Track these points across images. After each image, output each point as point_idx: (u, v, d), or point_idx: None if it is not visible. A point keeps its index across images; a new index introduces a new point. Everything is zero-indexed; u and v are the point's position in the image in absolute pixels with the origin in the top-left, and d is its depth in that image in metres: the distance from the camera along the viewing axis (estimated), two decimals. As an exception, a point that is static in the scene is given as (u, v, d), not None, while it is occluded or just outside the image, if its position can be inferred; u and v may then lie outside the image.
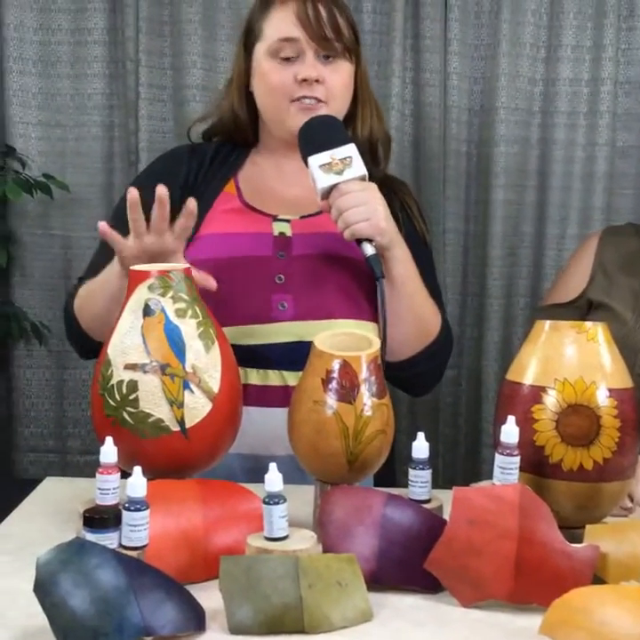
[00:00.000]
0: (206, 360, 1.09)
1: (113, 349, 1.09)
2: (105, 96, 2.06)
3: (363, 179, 1.25)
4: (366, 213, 1.23)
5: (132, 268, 1.11)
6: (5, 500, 1.21)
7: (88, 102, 2.06)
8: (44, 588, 0.86)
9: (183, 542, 1.00)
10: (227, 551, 0.97)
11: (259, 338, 1.33)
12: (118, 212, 1.38)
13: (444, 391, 2.10)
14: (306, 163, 1.27)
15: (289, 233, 1.37)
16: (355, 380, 1.07)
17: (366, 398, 1.07)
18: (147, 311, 1.09)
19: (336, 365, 1.08)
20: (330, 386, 1.07)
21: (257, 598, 0.90)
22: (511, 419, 1.01)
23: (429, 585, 0.98)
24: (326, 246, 1.34)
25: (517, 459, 1.01)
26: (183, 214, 1.19)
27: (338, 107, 1.39)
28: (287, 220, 1.38)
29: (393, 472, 1.40)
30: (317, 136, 1.28)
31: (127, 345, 1.08)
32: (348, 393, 1.07)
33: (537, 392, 1.06)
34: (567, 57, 2.03)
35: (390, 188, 1.41)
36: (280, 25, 1.37)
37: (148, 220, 1.19)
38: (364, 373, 1.08)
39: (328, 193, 1.25)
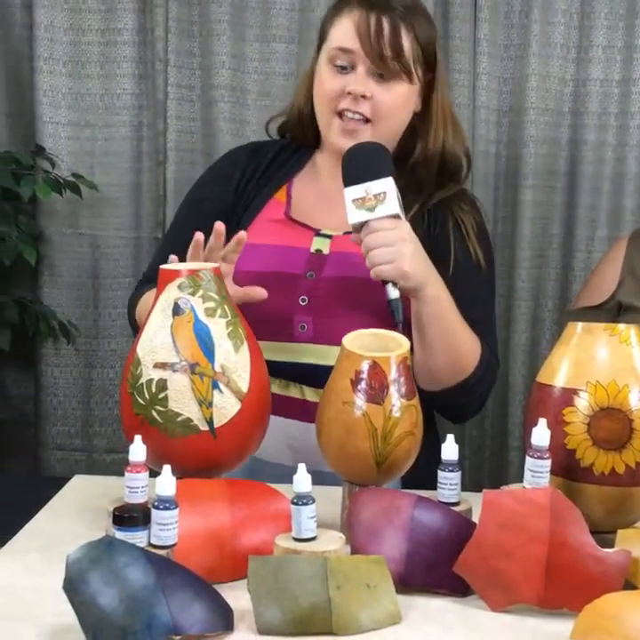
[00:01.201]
0: (235, 360, 1.09)
1: (142, 348, 1.09)
2: (134, 96, 2.07)
3: (395, 217, 1.22)
4: (391, 255, 1.20)
5: (162, 267, 1.11)
6: (32, 497, 1.21)
7: (117, 102, 2.07)
8: (73, 586, 0.86)
9: (211, 542, 1.00)
10: (254, 551, 0.97)
11: (279, 354, 1.32)
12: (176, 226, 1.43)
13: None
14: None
15: (326, 250, 1.36)
16: (384, 380, 1.07)
17: (395, 399, 1.07)
18: (176, 310, 1.09)
19: (365, 366, 1.07)
20: (359, 387, 1.07)
21: (285, 599, 0.89)
22: (542, 421, 1.00)
23: (458, 588, 0.98)
24: (360, 268, 1.27)
25: (548, 462, 1.00)
26: (232, 241, 1.21)
27: (384, 128, 1.35)
28: (329, 236, 1.37)
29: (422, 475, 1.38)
30: (357, 166, 1.24)
31: (156, 344, 1.08)
32: (377, 394, 1.07)
33: (568, 395, 1.05)
34: (598, 57, 2.01)
35: (446, 207, 1.38)
36: (340, 33, 1.35)
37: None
38: (393, 374, 1.07)
39: (360, 227, 1.23)
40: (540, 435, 1.00)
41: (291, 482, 0.96)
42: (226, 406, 1.08)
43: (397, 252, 1.20)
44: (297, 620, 0.89)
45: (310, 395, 1.33)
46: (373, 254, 1.21)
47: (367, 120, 1.34)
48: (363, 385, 1.07)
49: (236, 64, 2.05)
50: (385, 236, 1.21)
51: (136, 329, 1.34)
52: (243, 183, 1.42)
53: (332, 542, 0.97)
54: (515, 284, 2.05)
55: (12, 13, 2.06)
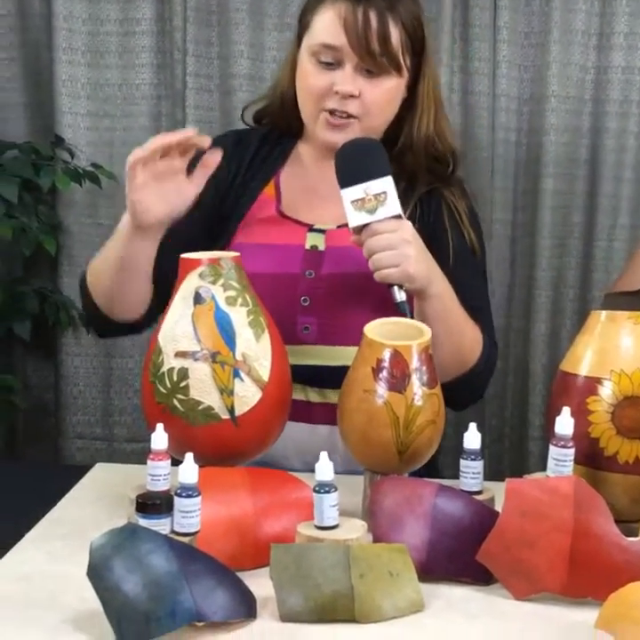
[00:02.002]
0: (256, 348, 1.09)
1: (164, 337, 1.09)
2: (152, 86, 2.07)
3: (397, 217, 1.18)
4: (396, 258, 1.17)
5: (182, 256, 1.11)
6: (54, 485, 1.22)
7: (136, 92, 2.07)
8: (97, 573, 0.86)
9: (233, 530, 1.00)
10: (276, 539, 0.97)
11: None
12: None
13: (490, 383, 2.08)
14: (341, 187, 1.21)
15: (322, 246, 1.33)
16: (405, 369, 1.06)
17: (417, 388, 1.06)
18: (197, 299, 1.09)
19: (387, 354, 1.07)
20: (380, 375, 1.06)
21: (308, 586, 0.90)
22: (566, 410, 0.99)
23: (481, 577, 0.97)
24: (358, 262, 1.24)
25: (572, 450, 0.99)
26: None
27: (372, 123, 1.31)
28: (322, 231, 1.34)
29: (436, 465, 1.38)
30: (353, 165, 1.20)
31: (177, 333, 1.08)
32: (399, 382, 1.06)
33: (592, 383, 1.05)
34: (619, 44, 1.99)
35: (438, 193, 1.35)
36: (325, 27, 1.28)
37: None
38: (414, 363, 1.07)
39: (361, 229, 1.19)
40: (564, 423, 0.99)
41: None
42: (247, 395, 1.08)
43: (402, 254, 1.17)
44: (319, 608, 0.89)
45: (314, 396, 1.32)
46: (377, 258, 1.18)
47: (353, 117, 1.29)
48: (384, 373, 1.06)
49: (255, 53, 2.04)
50: (388, 238, 1.17)
51: (87, 300, 1.31)
52: (230, 178, 1.37)
53: (355, 530, 0.97)
54: (535, 274, 2.04)
55: (31, 4, 2.06)
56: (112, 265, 1.25)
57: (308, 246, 1.33)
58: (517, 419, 2.11)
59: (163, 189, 1.18)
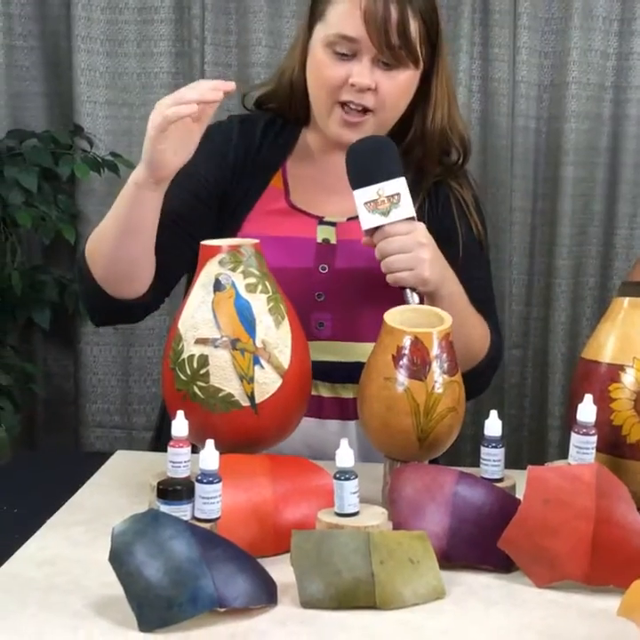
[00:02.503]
0: (276, 335, 1.09)
1: (183, 324, 1.09)
2: (171, 75, 2.07)
3: (410, 219, 1.17)
4: (410, 262, 1.15)
5: (203, 242, 1.11)
6: (74, 472, 1.22)
7: (154, 81, 2.07)
8: (119, 558, 0.87)
9: (253, 516, 1.01)
10: (296, 526, 0.97)
11: None
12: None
13: (509, 372, 2.08)
14: (352, 186, 1.19)
15: (333, 239, 1.31)
16: (426, 356, 1.06)
17: (437, 375, 1.06)
18: (217, 286, 1.09)
19: (407, 342, 1.06)
20: (401, 362, 1.06)
21: (328, 573, 0.90)
22: (588, 397, 0.98)
23: (502, 564, 0.97)
24: (372, 257, 1.22)
25: (594, 438, 0.98)
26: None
27: (386, 116, 1.28)
28: (333, 223, 1.32)
29: (455, 453, 1.37)
30: (366, 165, 1.18)
31: (198, 320, 1.08)
32: (420, 370, 1.06)
33: (615, 371, 1.04)
34: (641, 30, 1.97)
35: (445, 184, 1.34)
36: (342, 17, 1.23)
37: None
38: (435, 350, 1.06)
39: (373, 231, 1.18)
40: (586, 411, 0.98)
41: None
42: (267, 382, 1.08)
43: (416, 258, 1.15)
44: (340, 594, 0.89)
45: (325, 391, 1.31)
46: (391, 261, 1.16)
47: (369, 110, 1.26)
48: (405, 361, 1.06)
49: (273, 41, 2.03)
50: (402, 241, 1.15)
51: (85, 275, 1.23)
52: (238, 164, 1.33)
53: (375, 517, 0.97)
54: (555, 262, 2.03)
55: (50, -7, 2.07)
56: (117, 228, 1.18)
57: (319, 239, 1.31)
58: (536, 408, 2.11)
59: (180, 136, 1.14)
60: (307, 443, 1.28)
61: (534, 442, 2.10)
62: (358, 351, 1.27)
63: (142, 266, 1.22)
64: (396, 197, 1.16)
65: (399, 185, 1.16)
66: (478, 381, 1.29)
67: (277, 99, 1.38)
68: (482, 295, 1.31)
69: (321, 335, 1.29)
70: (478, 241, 1.36)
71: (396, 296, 1.18)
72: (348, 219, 1.31)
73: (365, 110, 1.26)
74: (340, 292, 1.29)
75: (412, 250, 1.16)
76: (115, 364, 2.14)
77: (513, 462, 1.20)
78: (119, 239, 1.19)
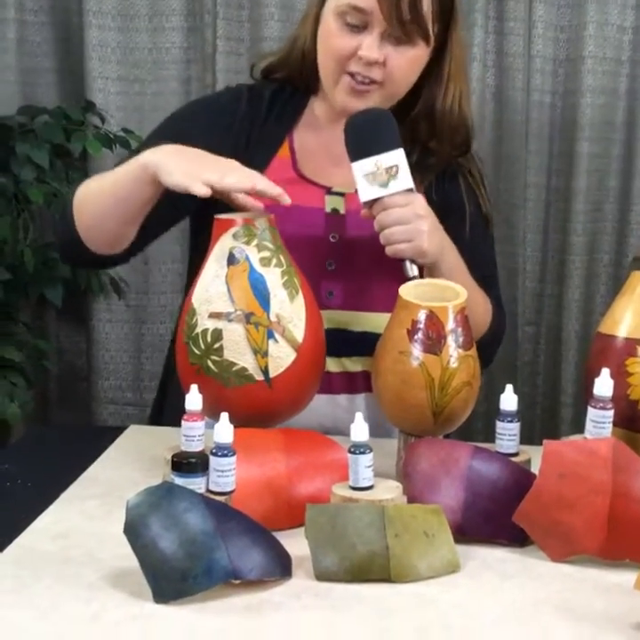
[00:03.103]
0: (290, 309, 1.08)
1: (197, 298, 1.09)
2: (182, 50, 2.06)
3: (409, 191, 1.16)
4: (408, 234, 1.15)
5: (217, 216, 1.10)
6: (87, 447, 1.22)
7: (166, 56, 2.06)
8: (134, 530, 0.87)
9: (267, 490, 1.01)
10: (310, 500, 0.97)
11: None
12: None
13: (523, 349, 2.07)
14: (351, 158, 1.18)
15: (342, 210, 1.30)
16: (441, 330, 1.05)
17: (453, 350, 1.05)
18: (231, 260, 1.08)
19: (422, 316, 1.06)
20: (416, 337, 1.05)
21: (343, 546, 0.89)
22: (605, 371, 0.98)
23: (517, 538, 0.97)
24: None
25: (611, 412, 0.98)
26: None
27: (393, 90, 1.26)
28: (341, 194, 1.31)
29: (468, 429, 1.37)
30: (364, 137, 1.18)
31: (211, 294, 1.08)
32: (434, 344, 1.05)
33: (632, 345, 1.03)
34: (658, 3, 1.95)
35: (455, 162, 1.33)
36: None
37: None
38: (450, 324, 1.06)
39: (372, 203, 1.17)
40: (603, 385, 0.97)
41: None
42: (281, 356, 1.08)
43: (415, 230, 1.15)
44: (355, 567, 0.89)
45: (333, 366, 1.29)
46: (389, 233, 1.16)
47: (375, 83, 1.25)
48: (419, 335, 1.05)
49: (285, 15, 2.02)
50: (400, 213, 1.15)
51: (67, 215, 1.23)
52: (244, 135, 1.32)
53: (390, 491, 0.97)
54: (569, 239, 2.01)
55: (61, -32, 2.05)
56: (112, 201, 1.18)
57: (328, 209, 1.31)
58: (550, 385, 2.10)
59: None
60: (316, 418, 1.27)
61: (547, 419, 2.10)
62: (367, 321, 1.27)
63: (127, 236, 1.23)
64: (394, 169, 1.16)
65: (397, 157, 1.16)
66: (482, 355, 1.27)
67: (288, 67, 1.36)
68: (486, 270, 1.31)
69: (331, 304, 1.29)
70: (485, 218, 1.36)
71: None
72: (356, 189, 1.28)
73: (372, 81, 1.25)
74: (351, 261, 1.29)
75: (411, 221, 1.16)
76: (127, 340, 2.14)
77: (526, 439, 1.20)
78: (110, 211, 1.19)
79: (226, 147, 1.28)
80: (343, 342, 1.28)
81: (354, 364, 1.30)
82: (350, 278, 1.29)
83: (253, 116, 1.33)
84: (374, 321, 1.20)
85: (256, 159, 1.30)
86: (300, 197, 1.28)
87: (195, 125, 1.32)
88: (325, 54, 1.28)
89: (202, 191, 1.07)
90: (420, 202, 1.17)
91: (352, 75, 1.25)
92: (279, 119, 1.35)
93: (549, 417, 2.09)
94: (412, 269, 1.16)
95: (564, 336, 2.04)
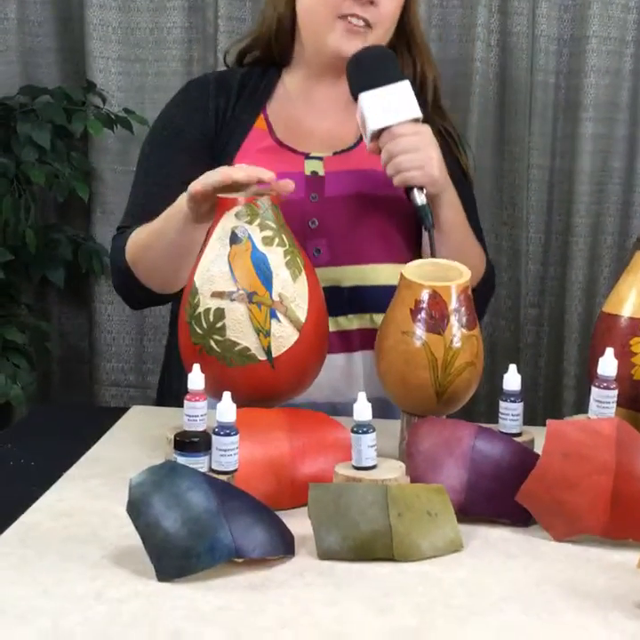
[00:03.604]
0: (293, 289, 1.08)
1: (200, 277, 1.08)
2: (184, 30, 2.04)
3: (416, 120, 1.18)
4: (419, 161, 1.17)
5: (219, 195, 1.10)
6: (90, 427, 1.22)
7: (167, 36, 2.04)
8: (137, 509, 0.87)
9: (270, 470, 1.01)
10: (313, 480, 0.97)
11: None
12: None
13: (525, 331, 2.06)
14: (355, 98, 1.21)
15: (321, 172, 1.32)
16: (444, 310, 1.05)
17: (456, 329, 1.05)
18: (233, 239, 1.07)
19: (425, 296, 1.05)
20: (419, 316, 1.05)
21: (346, 525, 0.89)
22: (609, 351, 0.97)
23: (520, 518, 0.97)
24: (361, 185, 1.28)
25: (615, 392, 0.97)
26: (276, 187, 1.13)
27: (382, 35, 1.30)
28: (320, 158, 1.33)
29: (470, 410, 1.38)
30: (370, 70, 1.20)
31: (214, 273, 1.07)
32: (438, 324, 1.05)
33: (636, 324, 1.03)
34: (664, -18, 1.93)
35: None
36: None
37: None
38: (453, 304, 1.05)
39: (379, 134, 1.18)
40: (607, 364, 0.97)
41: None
42: (284, 336, 1.07)
43: (426, 157, 1.17)
44: (358, 546, 0.89)
45: (330, 325, 1.27)
46: (399, 160, 1.17)
47: (368, 26, 1.28)
48: (423, 314, 1.05)
49: (288, -5, 2.00)
50: (410, 140, 1.17)
51: (126, 275, 1.28)
52: (220, 113, 1.36)
53: (393, 471, 0.97)
54: (573, 220, 2.00)
55: (61, -53, 2.03)
56: (163, 247, 1.22)
57: (307, 172, 1.32)
58: (552, 368, 2.09)
59: None
60: (315, 381, 1.28)
61: (549, 402, 2.09)
62: (357, 274, 1.29)
63: (184, 274, 1.20)
64: (401, 99, 1.18)
65: (404, 87, 1.19)
66: (476, 305, 1.30)
67: (259, 43, 1.40)
68: (473, 224, 1.33)
69: (320, 262, 1.29)
70: (462, 169, 1.38)
71: (389, 214, 1.22)
72: (334, 153, 1.33)
73: (366, 24, 1.28)
74: (333, 219, 1.31)
75: (421, 149, 1.17)
76: (129, 322, 2.13)
77: (529, 421, 1.19)
78: (165, 256, 1.22)
79: (209, 122, 1.34)
80: (336, 300, 1.29)
81: (349, 322, 1.32)
82: (334, 234, 1.31)
83: (226, 96, 1.37)
84: (364, 273, 1.25)
85: (235, 132, 1.34)
86: (279, 164, 1.30)
87: (180, 114, 1.37)
88: (316, 3, 1.30)
89: (198, 187, 1.09)
90: (428, 130, 1.19)
91: (345, 19, 1.27)
92: (252, 96, 1.38)
93: (552, 399, 2.09)
94: (421, 197, 1.18)
95: (567, 318, 2.03)
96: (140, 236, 1.27)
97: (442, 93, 1.41)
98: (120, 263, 1.30)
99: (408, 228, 1.31)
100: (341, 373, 1.27)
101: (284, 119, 1.37)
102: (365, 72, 1.20)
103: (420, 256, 1.29)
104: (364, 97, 1.18)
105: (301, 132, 1.36)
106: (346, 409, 1.07)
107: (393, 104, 1.17)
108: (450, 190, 1.23)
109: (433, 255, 1.17)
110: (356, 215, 1.30)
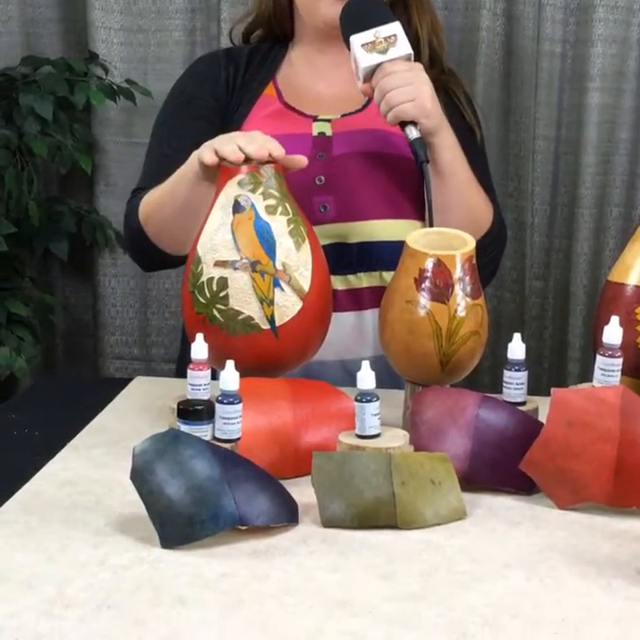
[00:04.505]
0: (297, 258, 1.07)
1: (203, 246, 1.08)
2: (186, -1, 2.02)
3: (408, 58, 1.20)
4: (411, 94, 1.18)
5: (222, 164, 1.09)
6: (94, 397, 1.22)
7: (170, 6, 2.02)
8: (140, 476, 0.87)
9: (273, 439, 1.00)
10: (317, 449, 0.96)
11: None
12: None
13: (530, 304, 2.05)
14: (348, 44, 1.22)
15: (329, 132, 1.33)
16: (449, 279, 1.04)
17: (460, 298, 1.05)
18: (236, 207, 1.07)
19: (429, 264, 1.05)
20: (423, 285, 1.05)
21: (350, 493, 0.89)
22: (615, 319, 0.97)
23: (523, 486, 0.97)
24: (368, 144, 1.29)
25: (620, 360, 0.97)
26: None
27: None
28: (328, 120, 1.34)
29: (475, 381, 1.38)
30: (360, 14, 1.22)
31: (217, 242, 1.07)
32: (442, 292, 1.04)
33: (642, 293, 1.02)
34: (672, -52, 1.90)
35: (436, 79, 1.33)
36: None
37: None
38: (458, 272, 1.05)
39: (371, 74, 1.20)
40: (612, 333, 0.97)
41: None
42: (287, 305, 1.07)
43: (417, 89, 1.18)
44: (361, 514, 0.89)
45: (337, 283, 1.29)
46: (391, 95, 1.18)
47: None
48: (427, 283, 1.04)
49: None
50: (401, 76, 1.18)
51: (138, 234, 1.29)
52: (230, 81, 1.38)
53: (396, 439, 0.97)
54: (578, 192, 1.98)
55: None
56: (174, 205, 1.22)
57: (315, 133, 1.33)
58: (557, 340, 2.09)
59: None
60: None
61: (554, 374, 2.08)
62: (363, 230, 1.30)
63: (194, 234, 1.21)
64: (392, 38, 1.19)
65: (395, 27, 1.20)
66: (487, 255, 1.29)
67: (262, 19, 1.42)
68: (483, 180, 1.32)
69: (325, 218, 1.30)
70: (471, 130, 1.37)
71: (396, 175, 1.22)
72: (342, 115, 1.34)
73: None
74: (339, 176, 1.31)
75: (413, 82, 1.19)
76: (133, 295, 2.13)
77: (533, 393, 1.19)
78: (176, 215, 1.22)
79: (220, 91, 1.36)
80: (344, 257, 1.30)
81: (359, 280, 1.32)
82: (340, 190, 1.31)
83: (235, 67, 1.39)
84: (371, 229, 1.26)
85: (244, 100, 1.35)
86: (287, 126, 1.32)
87: (191, 85, 1.39)
88: None
89: (207, 158, 1.09)
90: (420, 67, 1.21)
91: None
92: (261, 66, 1.40)
93: (557, 371, 2.08)
94: (414, 132, 1.18)
95: (572, 290, 2.02)
96: (152, 196, 1.28)
97: (446, 51, 1.40)
98: (133, 223, 1.30)
99: (416, 187, 1.30)
100: (352, 331, 1.29)
101: (293, 86, 1.39)
102: (355, 17, 1.22)
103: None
104: (355, 39, 1.20)
105: (310, 97, 1.37)
106: (355, 367, 1.07)
107: (383, 43, 1.19)
108: (447, 132, 1.23)
109: (427, 192, 1.18)
110: (363, 172, 1.30)
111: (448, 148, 1.23)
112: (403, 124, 1.19)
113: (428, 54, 1.36)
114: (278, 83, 1.39)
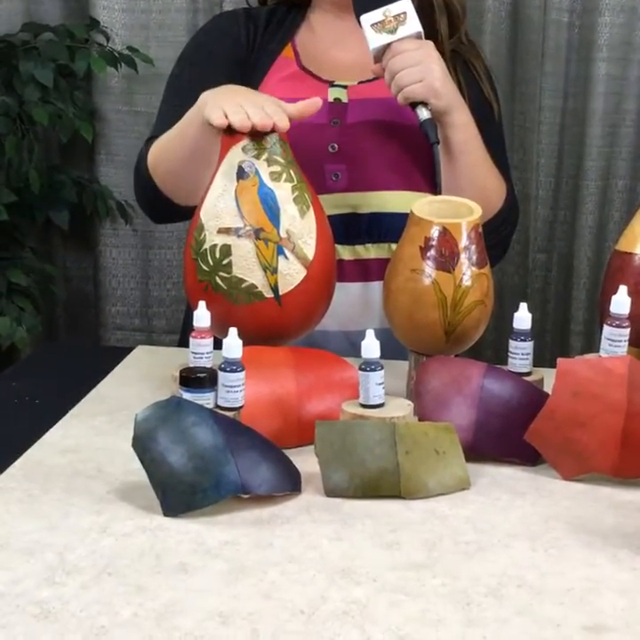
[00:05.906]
0: (301, 226, 1.06)
1: (205, 213, 1.06)
2: (189, -36, 1.99)
3: (418, 36, 1.18)
4: (420, 74, 1.16)
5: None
6: (95, 366, 1.21)
7: (172, -29, 1.99)
8: (142, 444, 0.86)
9: (276, 408, 1.00)
10: (320, 418, 0.96)
11: None
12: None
13: (533, 276, 2.04)
14: (360, 22, 1.21)
15: (345, 99, 1.31)
16: (454, 248, 1.03)
17: (466, 267, 1.03)
18: (240, 174, 1.05)
19: (435, 233, 1.03)
20: (428, 254, 1.03)
21: (353, 463, 0.89)
22: (623, 288, 0.96)
23: (528, 457, 0.96)
24: (383, 114, 1.27)
25: (627, 330, 0.96)
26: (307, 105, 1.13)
27: None
28: (344, 86, 1.33)
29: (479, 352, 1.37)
30: None
31: (220, 209, 1.05)
32: (447, 261, 1.03)
33: (650, 263, 1.01)
34: None
35: (454, 51, 1.33)
36: None
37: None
38: (464, 241, 1.03)
39: (382, 54, 1.19)
40: (620, 302, 0.95)
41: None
42: (291, 273, 1.06)
43: (426, 69, 1.17)
44: (365, 484, 0.89)
45: (345, 253, 1.28)
46: (400, 76, 1.17)
47: None
48: (432, 252, 1.03)
49: None
50: (410, 56, 1.17)
51: (147, 182, 1.27)
52: (250, 39, 1.37)
53: (400, 409, 0.96)
54: (584, 163, 1.96)
55: None
56: (183, 150, 1.20)
57: (331, 99, 1.32)
58: (560, 314, 2.08)
59: None
60: (330, 308, 1.25)
61: (557, 347, 2.07)
62: (374, 200, 1.28)
63: (205, 180, 1.17)
64: (402, 16, 1.18)
65: (405, 5, 1.18)
66: (499, 236, 1.28)
67: None
68: (496, 159, 1.30)
69: (337, 187, 1.28)
70: (490, 106, 1.36)
71: (410, 146, 1.21)
72: (359, 82, 1.32)
73: None
74: (353, 144, 1.30)
75: (422, 62, 1.17)
76: (134, 266, 2.11)
77: (536, 366, 1.18)
78: (185, 160, 1.20)
79: (240, 48, 1.35)
80: (354, 227, 1.29)
81: (366, 251, 1.30)
82: (353, 159, 1.29)
83: (254, 24, 1.38)
84: (382, 200, 1.24)
85: (261, 60, 1.34)
86: (303, 90, 1.29)
87: (210, 40, 1.37)
88: None
89: (217, 120, 1.06)
90: (430, 45, 1.19)
91: None
92: (280, 27, 1.38)
93: (559, 345, 2.07)
94: (424, 113, 1.17)
95: (576, 263, 2.01)
96: (161, 141, 1.26)
97: (467, 18, 1.37)
98: (142, 170, 1.28)
99: (429, 159, 1.28)
100: (357, 302, 1.27)
101: (311, 50, 1.37)
102: None
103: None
104: (364, 19, 1.18)
105: (327, 62, 1.36)
106: (359, 338, 1.06)
107: (393, 22, 1.17)
108: (460, 110, 1.21)
109: (437, 173, 1.16)
110: (377, 142, 1.29)
111: (461, 128, 1.21)
112: (413, 105, 1.17)
113: (445, 21, 1.33)
114: (297, 45, 1.37)
